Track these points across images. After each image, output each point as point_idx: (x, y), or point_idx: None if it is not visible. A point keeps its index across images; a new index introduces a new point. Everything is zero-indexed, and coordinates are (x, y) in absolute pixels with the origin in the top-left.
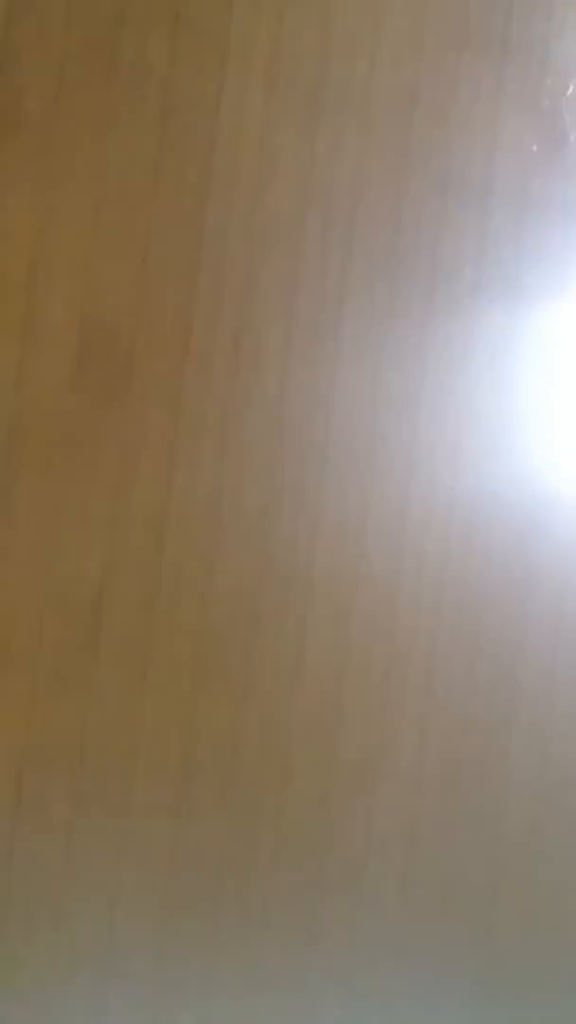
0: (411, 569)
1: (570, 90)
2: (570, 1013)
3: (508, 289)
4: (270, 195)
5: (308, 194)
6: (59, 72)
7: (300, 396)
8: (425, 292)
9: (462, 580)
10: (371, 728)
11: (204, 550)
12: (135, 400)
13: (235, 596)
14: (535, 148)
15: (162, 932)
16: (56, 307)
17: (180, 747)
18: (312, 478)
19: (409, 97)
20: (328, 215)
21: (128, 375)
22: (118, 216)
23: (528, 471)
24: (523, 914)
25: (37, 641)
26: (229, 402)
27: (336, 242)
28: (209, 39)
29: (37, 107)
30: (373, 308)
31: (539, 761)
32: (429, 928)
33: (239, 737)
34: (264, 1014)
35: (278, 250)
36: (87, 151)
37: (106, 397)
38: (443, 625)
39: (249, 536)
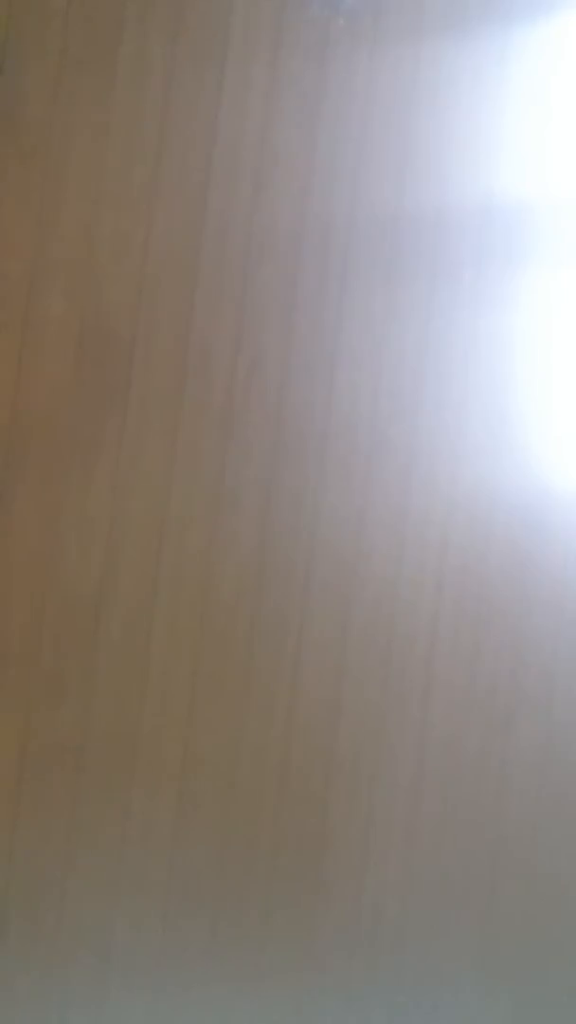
0: (410, 570)
1: None
2: (570, 1011)
3: (508, 289)
4: (270, 195)
5: (308, 194)
6: (59, 72)
7: (300, 395)
8: (425, 292)
9: (462, 580)
10: (371, 728)
11: (204, 550)
12: (135, 400)
13: (235, 596)
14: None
15: (162, 931)
16: (56, 307)
17: (180, 747)
18: (312, 477)
19: (409, 94)
20: (328, 215)
21: (128, 375)
22: (118, 216)
23: (527, 469)
24: (523, 913)
25: (37, 641)
26: (229, 401)
27: (336, 242)
28: (209, 38)
29: (37, 107)
30: (373, 308)
31: (539, 761)
32: (429, 927)
33: (239, 737)
34: (264, 1012)
35: (278, 250)
36: (87, 151)
37: (106, 397)
38: (443, 625)
39: (249, 535)
